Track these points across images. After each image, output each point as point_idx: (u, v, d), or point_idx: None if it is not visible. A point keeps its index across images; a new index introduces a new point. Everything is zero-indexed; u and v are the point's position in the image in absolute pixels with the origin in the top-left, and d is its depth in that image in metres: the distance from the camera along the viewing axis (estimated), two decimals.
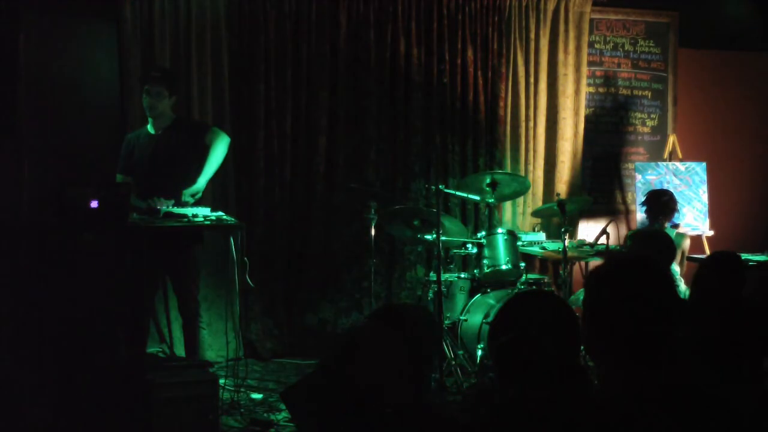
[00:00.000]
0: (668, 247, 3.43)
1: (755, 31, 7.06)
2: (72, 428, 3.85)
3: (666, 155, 6.79)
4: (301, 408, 2.55)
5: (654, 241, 3.43)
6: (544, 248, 5.79)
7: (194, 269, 4.85)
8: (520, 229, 6.25)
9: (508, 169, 6.31)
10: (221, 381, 4.32)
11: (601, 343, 1.81)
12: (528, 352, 2.44)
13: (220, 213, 4.53)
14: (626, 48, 6.85)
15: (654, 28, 6.92)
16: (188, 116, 5.50)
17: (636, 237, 3.53)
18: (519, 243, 5.54)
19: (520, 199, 6.32)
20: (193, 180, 4.68)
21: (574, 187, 6.54)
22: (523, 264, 5.41)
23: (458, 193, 5.65)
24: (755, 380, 3.00)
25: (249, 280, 4.58)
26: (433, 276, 5.23)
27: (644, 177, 6.52)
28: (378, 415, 2.06)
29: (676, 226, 5.90)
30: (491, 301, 5.14)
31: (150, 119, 4.84)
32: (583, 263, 6.19)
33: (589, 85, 6.69)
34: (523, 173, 6.31)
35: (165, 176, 4.74)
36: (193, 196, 4.67)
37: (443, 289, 5.11)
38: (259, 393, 4.84)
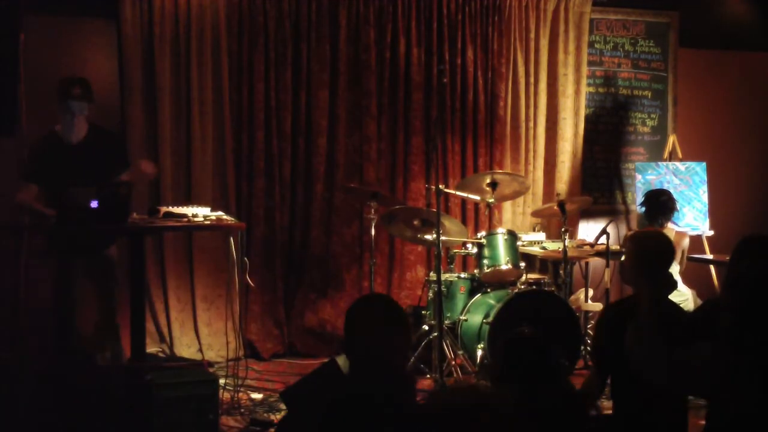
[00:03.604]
0: (668, 248, 3.41)
1: (755, 31, 7.05)
2: (72, 428, 3.85)
3: (666, 155, 6.78)
4: (301, 407, 2.55)
5: (653, 241, 3.41)
6: (544, 248, 5.80)
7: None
8: (520, 229, 6.25)
9: (508, 169, 6.31)
10: (221, 381, 4.33)
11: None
12: (532, 352, 2.44)
13: (220, 213, 4.53)
14: (626, 48, 6.85)
15: (654, 28, 6.91)
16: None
17: (634, 238, 3.50)
18: (519, 243, 5.54)
19: (520, 199, 6.32)
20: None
21: (574, 187, 6.54)
22: (523, 264, 5.42)
23: (458, 193, 5.65)
24: None
25: (249, 280, 4.58)
26: (433, 276, 5.23)
27: (644, 177, 6.52)
28: (378, 414, 2.07)
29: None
30: (491, 301, 5.15)
31: (65, 128, 4.58)
32: (583, 263, 6.19)
33: (589, 85, 6.68)
34: (523, 173, 6.31)
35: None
36: None
37: (443, 289, 5.11)
38: (259, 393, 4.84)
